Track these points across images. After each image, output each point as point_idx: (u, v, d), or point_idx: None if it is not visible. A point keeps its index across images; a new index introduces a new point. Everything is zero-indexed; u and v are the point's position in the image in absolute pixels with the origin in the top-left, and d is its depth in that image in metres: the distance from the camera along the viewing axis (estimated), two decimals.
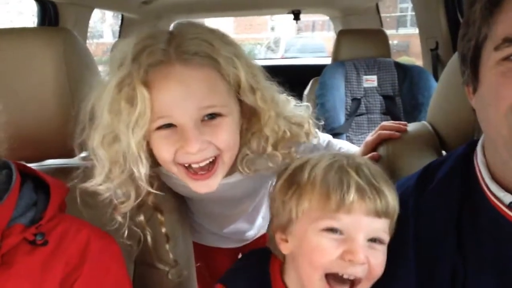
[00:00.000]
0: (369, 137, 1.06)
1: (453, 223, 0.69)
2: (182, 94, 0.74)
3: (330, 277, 0.70)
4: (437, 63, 2.05)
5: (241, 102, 0.82)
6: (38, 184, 0.77)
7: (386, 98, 2.07)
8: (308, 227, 0.71)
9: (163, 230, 0.91)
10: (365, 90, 2.09)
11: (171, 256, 0.92)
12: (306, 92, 2.22)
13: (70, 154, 0.99)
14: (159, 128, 0.77)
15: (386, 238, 0.72)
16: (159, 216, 0.91)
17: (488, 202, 0.67)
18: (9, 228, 0.68)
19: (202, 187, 0.82)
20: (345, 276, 0.69)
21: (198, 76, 0.75)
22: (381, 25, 2.88)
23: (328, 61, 2.80)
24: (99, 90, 0.79)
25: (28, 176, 0.76)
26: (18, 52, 0.87)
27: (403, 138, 0.99)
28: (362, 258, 0.67)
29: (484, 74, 0.64)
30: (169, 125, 0.77)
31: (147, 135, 0.77)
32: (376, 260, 0.70)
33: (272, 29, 16.51)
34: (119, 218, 0.84)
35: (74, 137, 0.83)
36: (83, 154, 1.09)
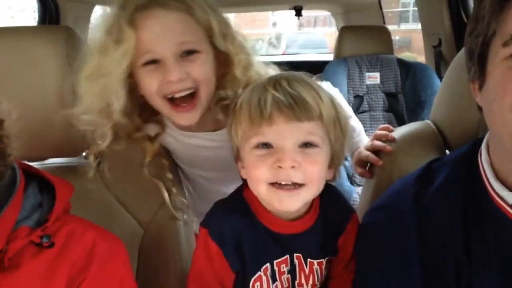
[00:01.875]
0: (363, 150, 1.03)
1: (459, 222, 0.69)
2: (161, 31, 0.87)
3: (274, 185, 0.76)
4: (439, 60, 2.04)
5: (216, 50, 0.94)
6: (43, 184, 0.76)
7: (389, 95, 2.07)
8: (246, 149, 0.79)
9: (168, 175, 1.00)
10: (368, 87, 2.08)
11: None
12: None
13: (73, 153, 0.99)
14: (145, 64, 0.89)
15: (318, 140, 0.77)
16: (163, 160, 1.01)
17: (492, 202, 0.67)
18: (15, 230, 0.67)
19: (184, 118, 0.94)
20: (283, 183, 0.75)
21: (174, 16, 0.88)
22: (383, 21, 2.86)
23: (330, 57, 2.79)
24: (91, 41, 0.93)
25: (32, 176, 0.76)
26: (20, 51, 0.87)
27: (406, 137, 0.98)
28: (289, 163, 0.73)
29: (491, 70, 0.63)
30: (154, 62, 0.89)
31: (134, 72, 0.90)
32: (310, 163, 0.75)
33: (274, 24, 16.45)
34: (91, 158, 0.95)
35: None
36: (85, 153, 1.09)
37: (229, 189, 1.06)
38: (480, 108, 0.70)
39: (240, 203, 0.85)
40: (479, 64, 0.65)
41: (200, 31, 0.92)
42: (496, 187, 0.66)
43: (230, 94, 0.95)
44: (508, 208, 0.65)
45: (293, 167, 0.74)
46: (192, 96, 0.92)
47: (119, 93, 0.89)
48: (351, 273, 0.84)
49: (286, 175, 0.75)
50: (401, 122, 2.02)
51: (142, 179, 0.98)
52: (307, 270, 0.85)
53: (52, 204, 0.72)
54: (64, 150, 0.97)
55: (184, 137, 1.05)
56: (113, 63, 0.87)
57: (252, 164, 0.78)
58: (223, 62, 0.96)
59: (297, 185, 0.76)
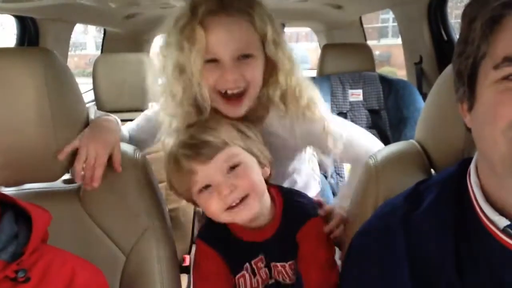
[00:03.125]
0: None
1: (449, 244, 0.68)
2: (225, 36, 0.99)
3: (228, 209, 0.91)
4: (421, 76, 2.06)
5: (266, 57, 1.05)
6: (19, 212, 0.73)
7: (372, 112, 2.08)
8: (194, 195, 0.93)
9: None
10: (351, 104, 2.09)
11: None
12: None
13: (52, 178, 0.96)
14: (206, 62, 1.00)
15: (239, 159, 0.92)
16: None
17: (482, 226, 0.66)
18: None
19: (232, 111, 1.04)
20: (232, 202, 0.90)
21: (238, 24, 1.00)
22: (365, 38, 2.90)
23: (312, 73, 2.81)
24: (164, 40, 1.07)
25: (7, 205, 0.73)
26: None
27: (391, 157, 0.97)
28: (225, 193, 0.88)
29: (481, 92, 0.63)
30: (215, 60, 1.00)
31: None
32: (241, 179, 0.90)
33: None
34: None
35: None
36: (65, 177, 1.06)
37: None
38: (468, 129, 0.70)
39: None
40: (468, 86, 0.65)
41: (256, 37, 1.03)
42: (486, 211, 0.65)
43: (271, 93, 1.08)
44: (498, 233, 0.64)
45: (231, 191, 0.89)
46: (241, 94, 1.03)
47: (202, 83, 1.02)
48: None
49: (231, 199, 0.89)
50: (384, 138, 2.03)
51: (124, 205, 0.95)
52: (277, 269, 1.01)
53: (29, 235, 0.69)
54: (42, 175, 0.94)
55: None
56: (190, 61, 0.99)
57: (205, 204, 0.93)
58: (270, 66, 1.07)
59: (243, 198, 0.90)
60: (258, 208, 0.94)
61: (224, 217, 0.93)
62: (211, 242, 1.00)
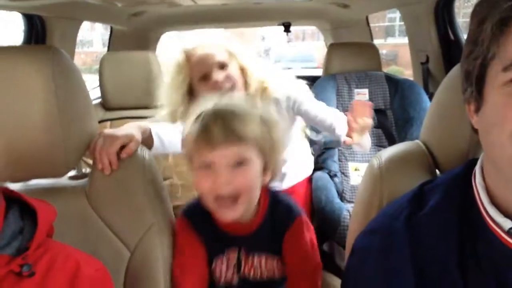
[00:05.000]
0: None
1: (454, 246, 0.68)
2: (205, 57, 1.40)
3: (218, 200, 0.93)
4: (427, 76, 2.05)
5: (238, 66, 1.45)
6: (25, 207, 0.74)
7: (378, 111, 2.06)
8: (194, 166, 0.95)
9: None
10: None
11: None
12: None
13: (58, 174, 0.96)
14: (201, 79, 1.41)
15: (250, 158, 0.93)
16: None
17: (487, 227, 0.66)
18: None
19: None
20: (222, 194, 0.92)
21: (216, 49, 1.42)
22: (371, 37, 2.89)
23: (318, 72, 2.79)
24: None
25: (13, 200, 0.74)
26: (4, 71, 0.85)
27: (396, 158, 0.97)
28: (223, 182, 0.90)
29: (489, 93, 0.62)
30: (205, 77, 1.40)
31: (193, 84, 1.45)
32: (242, 178, 0.92)
33: (263, 38, 16.59)
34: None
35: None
36: (71, 173, 1.07)
37: None
38: (474, 130, 0.69)
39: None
40: (476, 87, 0.64)
41: (226, 53, 1.42)
42: (491, 212, 0.65)
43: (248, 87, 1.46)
44: (503, 235, 0.63)
45: (227, 183, 0.91)
46: (231, 89, 1.39)
47: (184, 100, 1.44)
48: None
49: (224, 190, 0.91)
50: (390, 138, 2.02)
51: (129, 201, 0.96)
52: (249, 264, 1.04)
53: (34, 230, 0.70)
54: (49, 171, 0.94)
55: None
56: (177, 85, 1.43)
57: (199, 181, 0.94)
58: (243, 71, 1.46)
59: (233, 198, 0.92)
60: (242, 212, 0.96)
61: (209, 202, 0.95)
62: (192, 219, 1.04)
